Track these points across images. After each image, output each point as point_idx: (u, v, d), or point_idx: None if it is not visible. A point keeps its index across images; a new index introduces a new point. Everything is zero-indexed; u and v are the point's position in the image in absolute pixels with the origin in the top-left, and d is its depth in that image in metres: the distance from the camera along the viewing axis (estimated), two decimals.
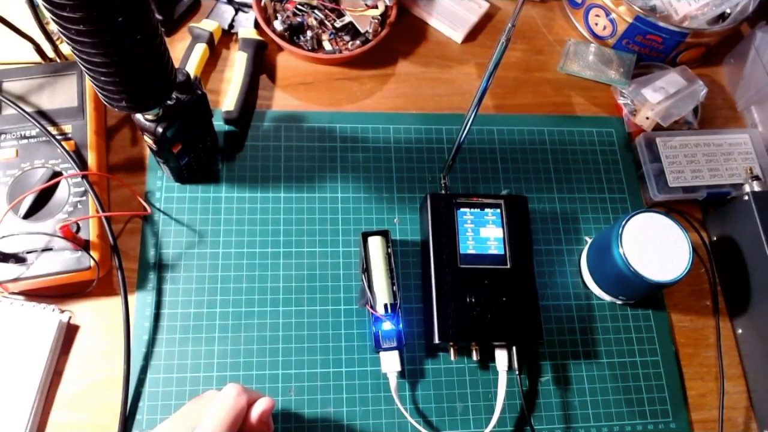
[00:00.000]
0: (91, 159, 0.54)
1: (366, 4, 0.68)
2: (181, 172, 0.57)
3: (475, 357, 0.53)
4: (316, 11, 0.67)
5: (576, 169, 0.65)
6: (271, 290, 0.56)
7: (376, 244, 0.54)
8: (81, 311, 0.53)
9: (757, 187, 0.60)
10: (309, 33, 0.65)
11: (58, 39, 0.58)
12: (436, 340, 0.52)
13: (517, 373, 0.53)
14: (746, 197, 0.59)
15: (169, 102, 0.49)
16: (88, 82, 0.57)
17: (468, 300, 0.53)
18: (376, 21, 0.66)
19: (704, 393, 0.58)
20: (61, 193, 0.52)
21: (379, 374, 0.54)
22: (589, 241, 0.60)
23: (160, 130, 0.48)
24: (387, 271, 0.53)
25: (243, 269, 0.56)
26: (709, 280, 0.62)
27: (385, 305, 0.52)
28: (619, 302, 0.59)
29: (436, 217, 0.56)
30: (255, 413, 0.41)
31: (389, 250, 0.54)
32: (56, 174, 0.53)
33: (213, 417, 0.39)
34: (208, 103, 0.53)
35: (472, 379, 0.55)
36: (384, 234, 0.55)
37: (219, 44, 0.66)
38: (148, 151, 0.60)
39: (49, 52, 0.58)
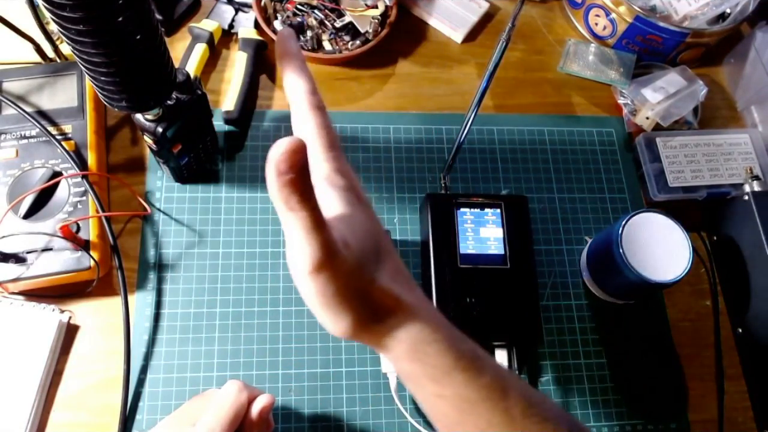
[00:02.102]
0: (91, 159, 0.54)
1: (366, 4, 0.68)
2: (181, 172, 0.57)
3: None
4: (316, 11, 0.67)
5: (576, 169, 0.65)
6: (271, 290, 0.56)
7: None
8: (81, 311, 0.53)
9: (757, 187, 0.60)
10: (309, 33, 0.65)
11: (58, 39, 0.58)
12: None
13: (517, 373, 0.53)
14: (746, 197, 0.59)
15: (169, 102, 0.49)
16: (88, 82, 0.57)
17: (468, 300, 0.53)
18: (376, 21, 0.66)
19: (704, 393, 0.58)
20: (61, 193, 0.52)
21: (379, 374, 0.54)
22: (589, 241, 0.60)
23: (160, 130, 0.48)
24: None
25: (243, 269, 0.56)
26: (709, 280, 0.62)
27: None
28: (619, 302, 0.59)
29: (436, 217, 0.56)
30: (255, 409, 0.41)
31: None
32: (56, 174, 0.53)
33: (213, 413, 0.39)
34: (208, 103, 0.53)
35: None
36: None
37: (219, 44, 0.66)
38: (148, 151, 0.60)
39: (49, 52, 0.58)
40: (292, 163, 0.24)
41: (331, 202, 0.30)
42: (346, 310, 0.29)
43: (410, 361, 0.30)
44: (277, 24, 0.65)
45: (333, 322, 0.29)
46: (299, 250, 0.27)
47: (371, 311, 0.29)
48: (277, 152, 0.24)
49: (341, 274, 0.28)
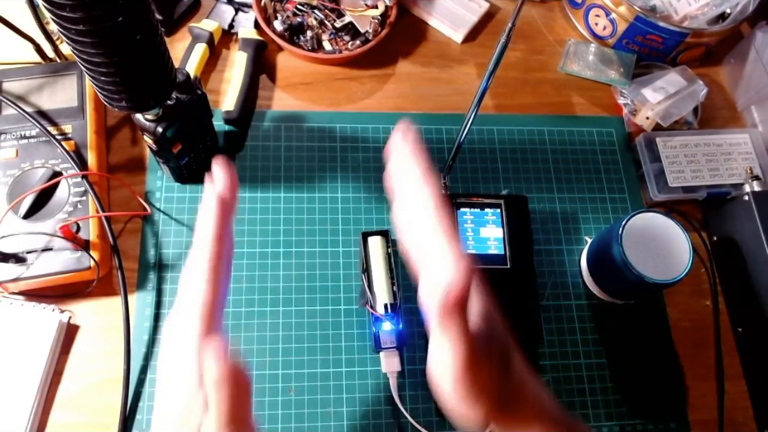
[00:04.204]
0: (91, 159, 0.54)
1: (366, 4, 0.68)
2: (181, 172, 0.57)
3: None
4: (316, 11, 0.67)
5: (576, 169, 0.65)
6: (271, 290, 0.56)
7: (376, 244, 0.54)
8: (81, 311, 0.53)
9: (757, 187, 0.60)
10: (309, 33, 0.65)
11: (58, 39, 0.58)
12: None
13: None
14: (746, 197, 0.59)
15: (169, 102, 0.49)
16: (88, 82, 0.57)
17: None
18: (376, 21, 0.66)
19: (704, 393, 0.58)
20: (61, 193, 0.52)
21: (379, 374, 0.54)
22: (589, 241, 0.60)
23: (160, 130, 0.48)
24: (387, 271, 0.53)
25: (243, 269, 0.56)
26: (709, 280, 0.62)
27: (385, 305, 0.52)
28: (619, 302, 0.59)
29: None
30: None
31: (389, 250, 0.54)
32: (56, 174, 0.53)
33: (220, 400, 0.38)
34: (208, 103, 0.53)
35: None
36: (384, 234, 0.55)
37: (219, 44, 0.66)
38: (148, 151, 0.60)
39: (49, 52, 0.58)
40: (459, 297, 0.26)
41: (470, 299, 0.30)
42: (483, 401, 0.29)
43: None
44: (277, 24, 0.65)
45: (468, 412, 0.30)
46: (450, 352, 0.28)
47: (507, 400, 0.30)
48: (453, 288, 0.26)
49: (487, 368, 0.29)
